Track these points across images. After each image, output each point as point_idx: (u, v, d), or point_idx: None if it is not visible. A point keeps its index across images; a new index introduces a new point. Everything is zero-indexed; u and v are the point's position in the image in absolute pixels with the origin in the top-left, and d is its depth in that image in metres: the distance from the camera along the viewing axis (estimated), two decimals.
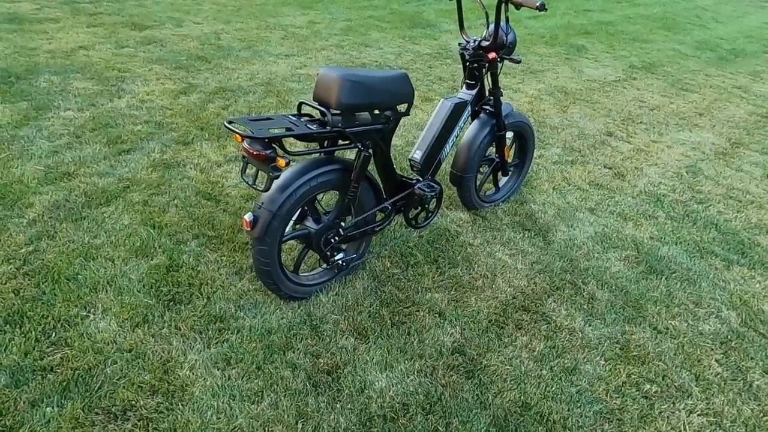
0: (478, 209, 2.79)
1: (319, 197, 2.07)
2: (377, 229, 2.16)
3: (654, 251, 2.63)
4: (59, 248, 2.18)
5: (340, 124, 1.83)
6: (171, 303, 1.97)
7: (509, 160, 2.77)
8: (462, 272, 2.33)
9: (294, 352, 1.83)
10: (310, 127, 1.77)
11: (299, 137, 1.75)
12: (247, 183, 1.77)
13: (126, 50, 4.66)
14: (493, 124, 2.54)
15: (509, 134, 2.76)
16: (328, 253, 2.04)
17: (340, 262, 2.06)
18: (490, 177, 2.87)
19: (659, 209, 3.05)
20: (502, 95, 2.48)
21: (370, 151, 1.94)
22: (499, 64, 2.36)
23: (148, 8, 6.23)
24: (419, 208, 2.36)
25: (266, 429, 1.57)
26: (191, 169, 2.89)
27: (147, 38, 5.07)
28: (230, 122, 1.69)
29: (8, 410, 1.53)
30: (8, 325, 1.80)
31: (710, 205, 3.15)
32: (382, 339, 1.93)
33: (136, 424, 1.54)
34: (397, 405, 1.70)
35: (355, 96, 1.79)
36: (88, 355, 1.73)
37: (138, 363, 1.72)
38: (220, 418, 1.58)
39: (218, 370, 1.74)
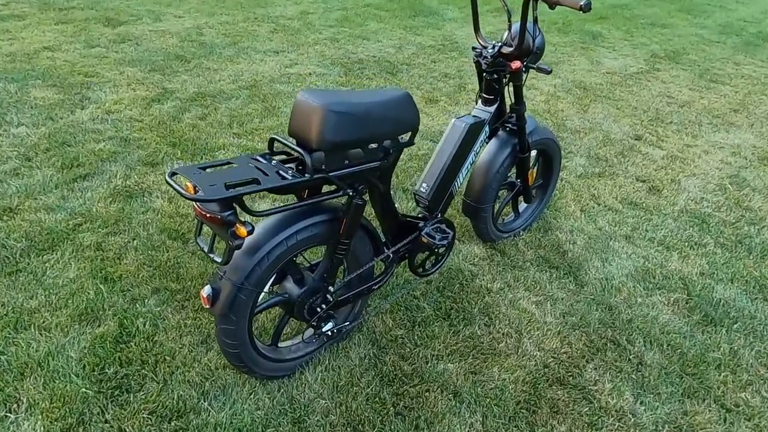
0: (496, 241, 2.36)
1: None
2: (375, 287, 1.74)
3: (707, 292, 2.20)
4: None
5: (323, 167, 1.40)
6: (116, 392, 1.56)
7: (532, 184, 2.33)
8: (480, 330, 1.91)
9: None
10: (284, 174, 1.33)
11: (270, 191, 1.32)
12: (202, 250, 1.34)
13: (96, 50, 4.20)
14: (515, 144, 2.10)
15: (532, 153, 2.31)
16: (314, 323, 1.62)
17: (329, 332, 1.65)
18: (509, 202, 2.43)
19: (706, 234, 2.61)
20: (526, 110, 2.03)
21: (365, 197, 1.51)
22: (524, 75, 1.91)
23: (125, 1, 5.74)
24: (430, 251, 1.93)
25: None
26: (157, 197, 2.46)
27: (121, 36, 4.59)
28: (173, 174, 1.26)
29: None
30: None
31: (764, 227, 2.71)
32: None
33: None
34: None
35: (342, 130, 1.35)
36: None
37: None
38: None
39: None
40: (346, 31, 5.36)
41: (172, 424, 1.49)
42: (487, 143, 2.10)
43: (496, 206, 2.32)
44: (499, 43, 1.86)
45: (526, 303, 2.06)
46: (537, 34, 1.84)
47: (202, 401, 1.56)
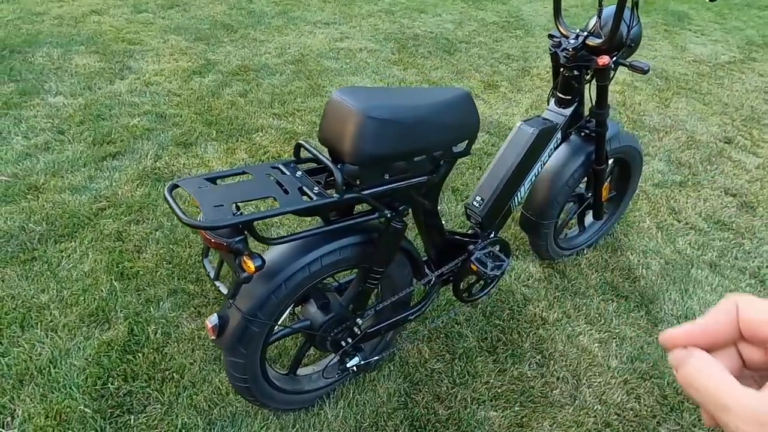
0: (555, 260, 2.05)
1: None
2: (412, 317, 1.49)
3: None
4: None
5: (358, 184, 1.15)
6: (117, 411, 1.41)
7: (605, 199, 1.99)
8: (531, 371, 1.64)
9: None
10: (308, 192, 1.09)
11: (289, 213, 1.08)
12: (208, 275, 1.14)
13: (143, 16, 4.06)
14: (590, 152, 1.77)
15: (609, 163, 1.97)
16: (338, 357, 1.40)
17: (355, 368, 1.42)
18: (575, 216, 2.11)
19: None
20: (609, 116, 1.69)
21: (404, 221, 1.25)
22: (612, 72, 1.56)
23: None
24: (479, 276, 1.66)
25: None
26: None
27: (169, 1, 4.44)
28: (174, 187, 1.05)
29: None
30: None
31: None
32: None
33: None
34: None
35: (384, 142, 1.09)
36: None
37: None
38: None
39: None
40: (403, 3, 5.00)
41: None
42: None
43: (560, 220, 2.01)
44: (585, 32, 1.52)
45: (586, 340, 1.76)
46: (634, 23, 1.49)
47: (207, 430, 1.39)
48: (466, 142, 1.32)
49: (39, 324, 1.62)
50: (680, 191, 2.61)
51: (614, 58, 1.51)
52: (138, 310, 1.69)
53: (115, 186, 2.23)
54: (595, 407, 1.56)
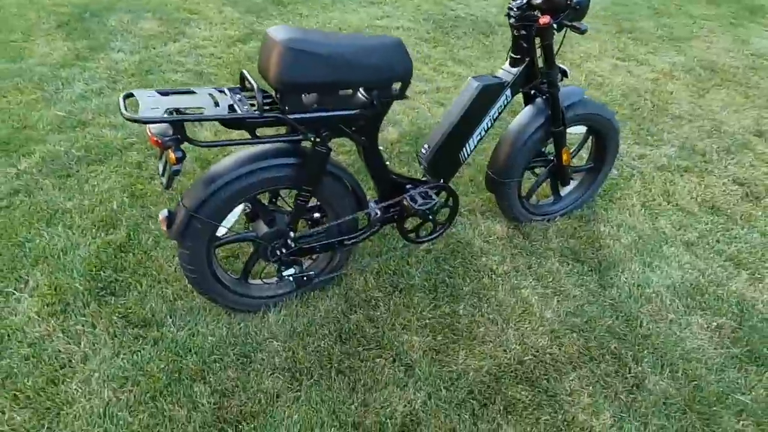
0: (522, 222, 2.14)
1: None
2: (349, 242, 1.68)
3: (765, 326, 1.80)
4: (29, 207, 2.04)
5: (287, 107, 1.35)
6: (102, 292, 1.73)
7: (568, 165, 2.04)
8: (464, 311, 1.77)
9: (203, 385, 1.48)
10: (238, 108, 1.32)
11: (211, 120, 1.31)
12: (157, 172, 1.40)
13: None
14: (549, 115, 1.85)
15: (577, 129, 2.02)
16: (276, 266, 1.62)
17: (290, 278, 1.64)
18: (547, 182, 2.18)
19: None
20: (563, 77, 1.76)
21: (329, 146, 1.44)
22: (555, 33, 1.64)
23: None
24: (423, 218, 1.81)
25: None
26: (207, 129, 2.61)
27: None
28: (129, 95, 1.31)
29: None
30: None
31: None
32: (317, 389, 1.50)
33: None
34: None
35: (302, 71, 1.29)
36: None
37: (31, 363, 1.50)
38: None
39: (110, 390, 1.45)
40: None
41: (135, 330, 1.62)
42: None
43: (526, 183, 2.09)
44: None
45: (528, 293, 1.86)
46: None
47: (168, 317, 1.66)
48: (400, 85, 1.49)
49: (60, 223, 1.98)
50: (682, 176, 2.56)
51: (558, 19, 1.59)
52: (138, 222, 2.01)
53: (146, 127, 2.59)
54: (514, 347, 1.67)
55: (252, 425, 1.40)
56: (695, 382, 1.59)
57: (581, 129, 2.04)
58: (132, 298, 1.72)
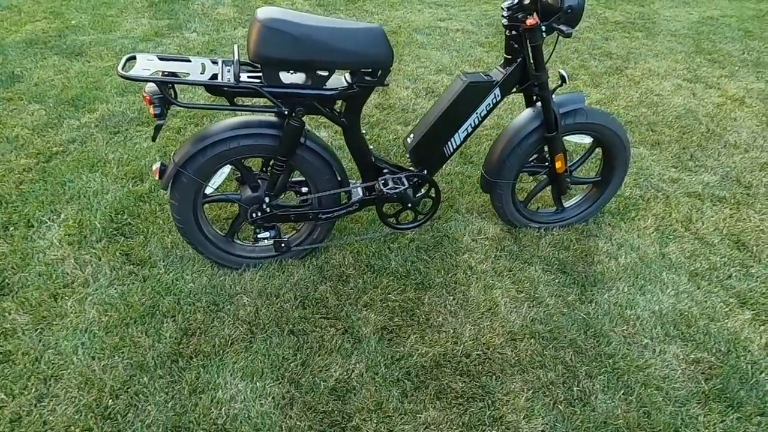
0: (517, 226, 2.13)
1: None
2: (323, 216, 1.79)
3: (749, 369, 1.66)
4: (79, 155, 2.37)
5: (265, 81, 1.49)
6: (115, 233, 1.98)
7: (563, 173, 1.99)
8: (427, 299, 1.82)
9: (172, 322, 1.67)
10: (221, 77, 1.48)
11: (191, 84, 1.47)
12: (153, 129, 1.59)
13: None
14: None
15: (581, 139, 1.98)
16: (255, 229, 1.77)
17: (265, 241, 1.78)
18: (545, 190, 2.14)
19: None
20: (562, 83, 1.74)
21: (303, 119, 1.56)
22: (544, 35, 1.63)
23: None
24: (402, 205, 1.88)
25: (81, 390, 1.46)
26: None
27: None
28: (131, 57, 1.51)
29: None
30: None
31: None
32: (266, 344, 1.62)
33: None
34: (228, 424, 1.42)
35: (275, 47, 1.42)
36: (16, 257, 1.85)
37: (42, 279, 1.77)
38: (53, 362, 1.53)
39: (96, 312, 1.68)
40: None
41: (130, 267, 1.84)
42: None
43: (521, 189, 2.08)
44: None
45: (499, 294, 1.86)
46: None
47: (161, 261, 1.88)
48: (380, 72, 1.57)
49: (100, 170, 2.28)
50: (714, 206, 2.39)
51: (548, 22, 1.59)
52: None
53: (196, 98, 2.87)
54: (466, 342, 1.69)
55: (201, 362, 1.56)
56: (646, 409, 1.52)
57: (587, 139, 2.00)
58: (137, 241, 1.95)
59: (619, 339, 1.73)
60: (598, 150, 2.07)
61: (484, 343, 1.68)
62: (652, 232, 2.20)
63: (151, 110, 1.42)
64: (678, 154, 2.76)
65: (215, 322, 1.68)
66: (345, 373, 1.56)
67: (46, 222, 2.00)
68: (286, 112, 1.54)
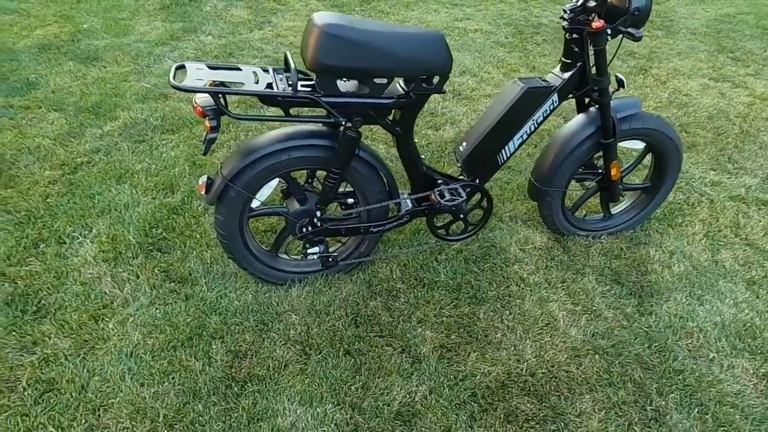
0: (565, 235, 2.06)
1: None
2: (375, 229, 1.71)
3: None
4: (105, 165, 2.28)
5: (321, 90, 1.41)
6: (151, 248, 1.89)
7: (617, 181, 1.92)
8: (483, 314, 1.74)
9: (220, 344, 1.58)
10: (275, 86, 1.39)
11: (248, 95, 1.39)
12: (202, 140, 1.51)
13: None
14: (600, 125, 1.76)
15: (635, 145, 1.91)
16: (303, 243, 1.69)
17: (315, 256, 1.70)
18: (593, 196, 2.08)
19: None
20: (620, 87, 1.67)
21: (359, 131, 1.48)
22: (609, 39, 1.56)
23: None
24: (454, 216, 1.81)
25: (133, 421, 1.38)
26: (269, 111, 2.75)
27: None
28: (181, 66, 1.43)
29: None
30: (14, 226, 1.94)
31: None
32: (323, 365, 1.55)
33: (31, 362, 1.50)
34: None
35: (335, 55, 1.34)
36: (50, 276, 1.76)
37: (80, 300, 1.68)
38: (101, 389, 1.44)
39: (140, 334, 1.60)
40: None
41: (171, 285, 1.76)
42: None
43: (571, 195, 2.01)
44: None
45: (556, 307, 1.79)
46: None
47: (202, 278, 1.79)
48: (438, 79, 1.50)
49: (128, 182, 2.19)
50: (759, 209, 2.33)
51: (614, 24, 1.52)
52: (194, 189, 2.17)
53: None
54: (529, 359, 1.62)
55: (257, 387, 1.47)
56: (725, 428, 1.46)
57: (639, 145, 1.93)
58: (175, 257, 1.87)
59: (684, 353, 1.67)
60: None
61: (547, 361, 1.61)
62: (702, 239, 2.14)
63: (207, 123, 1.34)
64: (715, 156, 2.70)
65: (266, 343, 1.60)
66: (408, 395, 1.49)
67: (78, 237, 1.91)
68: (342, 123, 1.46)
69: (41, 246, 1.87)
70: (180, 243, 1.92)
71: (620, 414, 1.48)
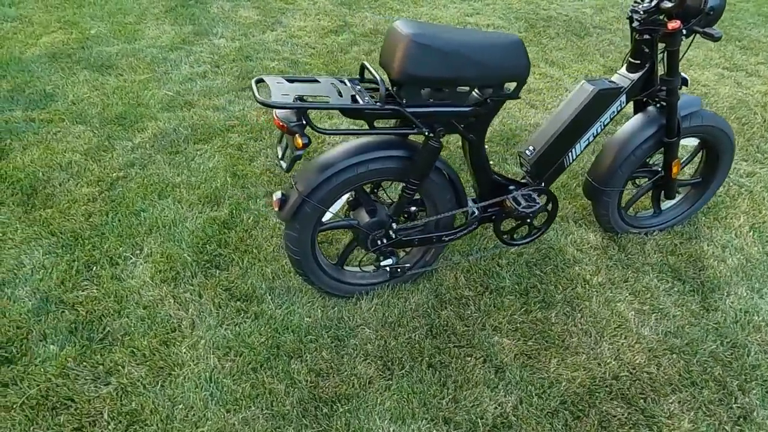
0: (618, 233, 2.06)
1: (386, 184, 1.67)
2: (446, 238, 1.69)
3: None
4: (143, 179, 2.20)
5: (404, 101, 1.37)
6: (208, 265, 1.83)
7: (676, 178, 1.94)
8: (556, 318, 1.74)
9: (300, 363, 1.55)
10: (359, 99, 1.35)
11: (335, 109, 1.35)
12: (276, 155, 1.46)
13: None
14: (663, 124, 1.76)
15: (689, 142, 1.92)
16: (375, 255, 1.66)
17: (387, 268, 1.67)
18: (648, 193, 2.09)
19: None
20: (682, 86, 1.67)
21: (441, 141, 1.45)
22: (683, 39, 1.56)
23: None
24: (519, 221, 1.79)
25: None
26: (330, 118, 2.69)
27: None
28: (260, 80, 1.37)
29: (19, 338, 1.56)
30: (62, 249, 1.86)
31: None
32: (408, 380, 1.52)
33: (109, 393, 1.44)
34: None
35: (424, 65, 1.30)
36: (110, 300, 1.69)
37: (146, 324, 1.62)
38: (187, 418, 1.40)
39: (216, 357, 1.55)
40: None
41: (237, 304, 1.71)
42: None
43: (629, 194, 2.01)
44: None
45: (624, 307, 1.79)
46: None
47: (267, 294, 1.74)
48: (515, 85, 1.47)
49: (170, 196, 2.12)
50: None
51: (689, 24, 1.51)
52: (240, 201, 2.12)
53: (246, 111, 2.71)
54: (609, 362, 1.62)
55: (346, 407, 1.44)
56: None
57: (693, 141, 1.94)
58: (234, 273, 1.81)
59: (756, 348, 1.69)
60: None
61: (627, 363, 1.61)
62: (749, 231, 2.16)
63: (299, 141, 1.29)
64: (744, 146, 2.74)
65: (345, 360, 1.57)
66: (499, 406, 1.47)
67: (131, 258, 1.84)
68: (426, 133, 1.42)
69: (94, 269, 1.79)
70: (237, 259, 1.86)
71: (708, 414, 1.49)
